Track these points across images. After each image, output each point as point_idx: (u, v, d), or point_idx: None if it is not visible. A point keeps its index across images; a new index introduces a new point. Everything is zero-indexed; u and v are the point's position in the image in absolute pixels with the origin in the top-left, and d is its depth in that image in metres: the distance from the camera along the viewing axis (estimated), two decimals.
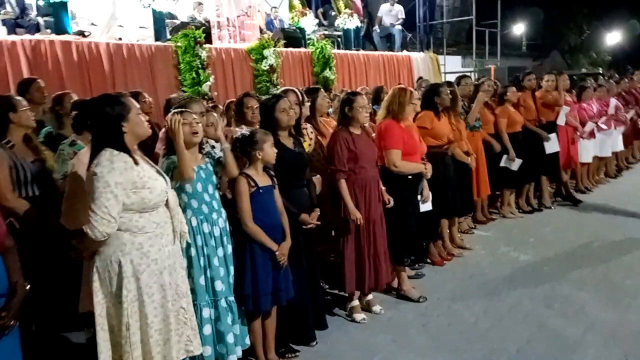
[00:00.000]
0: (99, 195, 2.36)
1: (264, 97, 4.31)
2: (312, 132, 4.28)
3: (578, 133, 7.50)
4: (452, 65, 14.35)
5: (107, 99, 2.57)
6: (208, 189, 3.15)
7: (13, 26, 7.31)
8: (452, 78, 11.46)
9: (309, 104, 4.51)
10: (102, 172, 2.38)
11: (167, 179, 2.72)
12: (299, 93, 4.25)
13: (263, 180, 3.24)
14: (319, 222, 3.60)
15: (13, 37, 6.49)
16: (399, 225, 4.25)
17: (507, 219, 6.70)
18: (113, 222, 2.39)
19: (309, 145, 4.20)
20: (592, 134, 7.79)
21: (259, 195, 3.19)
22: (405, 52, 12.48)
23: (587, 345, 3.55)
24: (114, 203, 2.37)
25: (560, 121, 7.05)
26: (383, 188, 4.10)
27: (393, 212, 4.20)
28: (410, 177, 4.29)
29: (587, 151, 7.80)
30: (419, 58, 12.52)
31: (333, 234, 4.07)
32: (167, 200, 2.64)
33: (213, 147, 3.76)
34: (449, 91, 5.10)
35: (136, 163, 2.49)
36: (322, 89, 4.75)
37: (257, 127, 3.71)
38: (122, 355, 2.50)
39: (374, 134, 4.19)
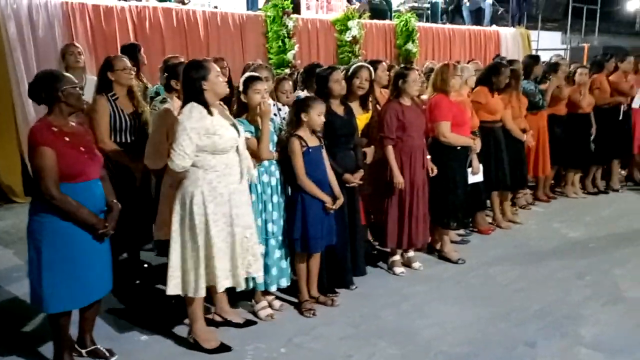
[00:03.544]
0: (179, 136, 3.01)
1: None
2: (370, 103, 4.69)
3: None
4: (549, 42, 13.99)
5: (191, 64, 3.19)
6: (269, 145, 3.68)
7: None
8: (544, 55, 11.30)
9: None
10: (182, 119, 3.03)
11: (241, 130, 3.30)
12: (371, 70, 4.57)
13: (312, 141, 3.71)
14: (361, 182, 4.06)
15: (122, 3, 7.33)
16: (445, 192, 4.62)
17: (569, 198, 6.80)
18: (187, 158, 3.01)
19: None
20: None
21: (309, 154, 3.67)
22: (494, 27, 12.36)
23: (603, 314, 3.80)
24: (188, 143, 3.00)
25: (635, 104, 6.96)
26: (428, 157, 4.47)
27: (441, 179, 4.57)
28: (458, 148, 4.62)
29: None
30: (508, 34, 12.37)
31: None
32: (238, 147, 3.23)
33: (279, 109, 4.30)
34: (509, 71, 5.30)
35: (210, 114, 3.09)
36: (383, 62, 5.10)
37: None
38: (189, 267, 3.14)
39: (424, 107, 4.54)
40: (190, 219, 3.11)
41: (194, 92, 3.10)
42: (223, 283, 3.22)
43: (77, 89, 2.90)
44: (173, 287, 3.19)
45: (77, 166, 2.85)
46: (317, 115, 3.64)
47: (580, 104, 6.44)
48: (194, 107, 3.07)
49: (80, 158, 2.87)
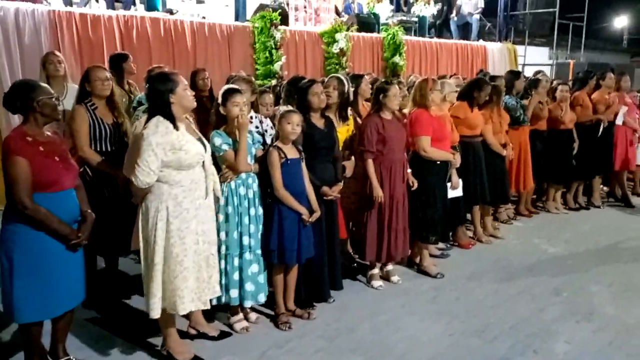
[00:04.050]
0: (143, 152, 2.96)
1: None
2: (350, 115, 4.73)
3: (637, 135, 7.42)
4: (537, 57, 14.15)
5: (158, 76, 3.17)
6: (247, 157, 3.69)
7: (112, 1, 8.20)
8: (530, 70, 11.42)
9: (352, 89, 4.96)
10: (147, 133, 2.97)
11: (207, 146, 3.28)
12: (343, 79, 4.60)
13: (291, 153, 3.73)
14: (338, 195, 4.08)
15: (110, 12, 7.35)
16: (424, 206, 4.65)
17: (550, 213, 6.85)
18: (152, 174, 2.97)
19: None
20: None
21: (287, 166, 3.69)
22: (481, 42, 12.48)
23: (575, 332, 3.82)
24: (154, 159, 2.95)
25: (618, 121, 7.06)
26: (409, 171, 4.50)
27: (420, 193, 4.61)
28: (438, 162, 4.65)
29: None
30: (494, 48, 12.49)
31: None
32: (203, 162, 3.21)
33: (261, 121, 4.33)
34: (490, 87, 5.36)
35: (176, 129, 3.05)
36: (365, 76, 5.16)
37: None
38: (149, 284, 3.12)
39: (405, 120, 4.58)
40: (152, 235, 3.06)
41: (160, 105, 3.04)
42: (186, 305, 3.16)
43: (53, 99, 2.90)
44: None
45: (51, 176, 2.84)
46: (287, 124, 3.66)
47: (562, 120, 6.50)
48: (160, 122, 3.01)
49: (54, 168, 2.87)
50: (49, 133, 2.96)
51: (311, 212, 3.78)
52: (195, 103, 3.22)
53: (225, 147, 3.56)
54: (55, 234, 2.86)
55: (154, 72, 3.98)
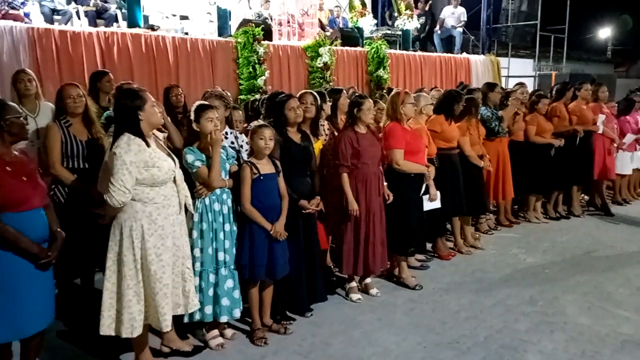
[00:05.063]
0: (117, 171, 2.96)
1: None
2: (327, 129, 4.77)
3: (615, 144, 7.50)
4: (521, 69, 14.29)
5: (126, 92, 3.18)
6: (220, 173, 3.71)
7: (94, 18, 8.24)
8: (513, 82, 11.54)
9: (330, 103, 5.01)
10: (120, 152, 2.98)
11: (176, 160, 3.30)
12: (316, 96, 4.58)
13: (266, 168, 3.75)
14: (317, 208, 4.11)
15: (90, 29, 7.34)
16: (400, 219, 4.67)
17: (531, 223, 6.90)
18: (127, 193, 2.98)
19: (324, 140, 4.70)
20: (632, 146, 7.76)
21: (260, 181, 3.70)
22: (464, 55, 12.60)
23: (548, 342, 3.84)
24: (128, 178, 2.96)
25: (600, 130, 7.15)
26: (385, 184, 4.53)
27: (396, 206, 4.63)
28: (412, 175, 4.69)
29: (626, 163, 7.80)
30: (478, 61, 12.59)
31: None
32: (175, 177, 3.23)
33: (236, 137, 4.36)
34: (465, 99, 5.43)
35: (148, 145, 3.07)
36: (344, 90, 5.21)
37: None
38: (123, 305, 3.09)
39: (380, 134, 4.62)
40: (130, 254, 3.06)
41: (128, 122, 3.05)
42: (169, 322, 3.17)
43: (21, 118, 2.92)
44: (106, 328, 3.13)
45: (19, 195, 2.85)
46: (259, 139, 3.69)
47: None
48: (132, 140, 3.02)
49: (21, 187, 2.87)
50: (16, 152, 2.97)
51: (291, 227, 3.82)
52: (162, 120, 3.24)
53: (198, 163, 3.58)
54: (25, 253, 2.85)
55: (122, 89, 3.99)
